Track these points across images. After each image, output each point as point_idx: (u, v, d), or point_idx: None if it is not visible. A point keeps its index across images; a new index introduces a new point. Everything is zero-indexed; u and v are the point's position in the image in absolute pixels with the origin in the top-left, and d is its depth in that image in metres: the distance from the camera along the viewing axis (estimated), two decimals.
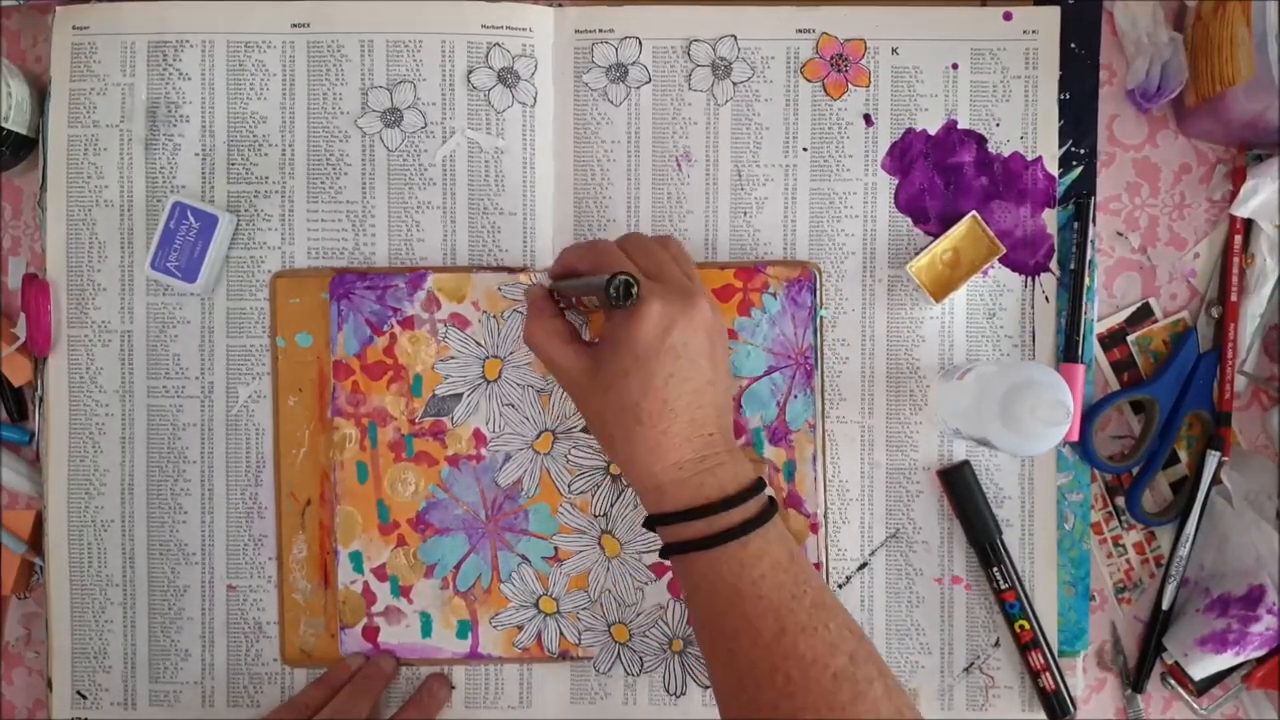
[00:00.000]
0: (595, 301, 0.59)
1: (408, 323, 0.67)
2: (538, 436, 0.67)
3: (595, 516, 0.67)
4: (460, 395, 0.67)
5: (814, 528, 0.67)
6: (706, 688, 0.68)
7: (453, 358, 0.67)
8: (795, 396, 0.67)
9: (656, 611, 0.68)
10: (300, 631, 0.68)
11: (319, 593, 0.68)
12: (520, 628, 0.68)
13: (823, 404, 0.68)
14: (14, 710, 0.71)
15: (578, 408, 0.62)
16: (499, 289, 0.67)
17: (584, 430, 0.67)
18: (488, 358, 0.67)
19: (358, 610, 0.68)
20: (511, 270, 0.68)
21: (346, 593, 0.67)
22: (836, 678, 0.53)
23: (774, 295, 0.67)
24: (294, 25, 0.68)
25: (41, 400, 0.69)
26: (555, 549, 0.68)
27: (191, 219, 0.66)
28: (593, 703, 0.69)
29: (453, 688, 0.69)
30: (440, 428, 0.67)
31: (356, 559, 0.67)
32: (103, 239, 0.68)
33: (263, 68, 0.68)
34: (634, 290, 0.55)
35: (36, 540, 0.69)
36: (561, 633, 0.68)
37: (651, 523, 0.59)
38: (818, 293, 0.67)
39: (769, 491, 0.60)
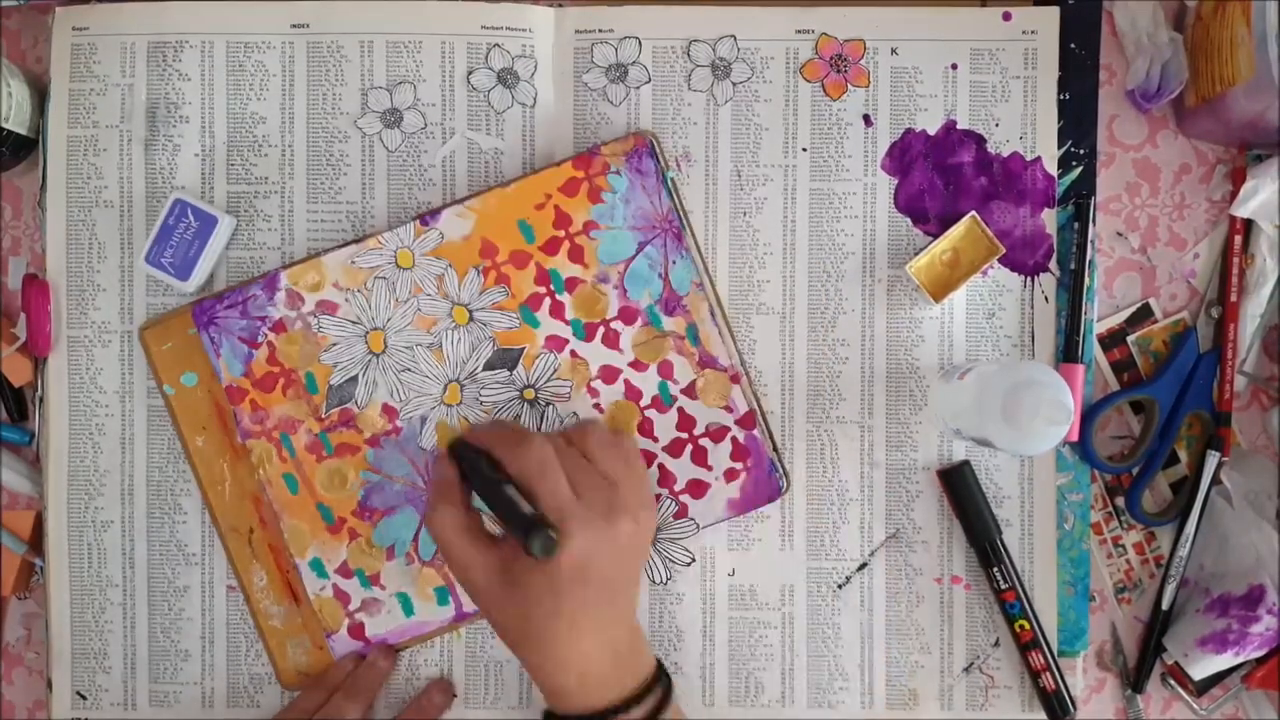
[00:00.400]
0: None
1: (278, 326, 0.67)
2: (444, 390, 0.67)
3: None
4: (355, 378, 0.67)
5: (734, 379, 0.67)
6: (689, 565, 0.68)
7: (334, 344, 0.67)
8: (674, 262, 0.67)
9: None
10: (289, 654, 0.68)
11: (294, 612, 0.68)
12: None
13: (702, 260, 0.67)
14: (14, 710, 0.71)
15: (474, 602, 0.61)
16: (352, 262, 0.66)
17: (487, 369, 0.67)
18: (368, 331, 0.67)
19: (336, 614, 0.67)
20: (357, 241, 0.67)
21: (320, 600, 0.67)
22: None
23: (618, 174, 0.67)
24: (294, 26, 0.68)
25: (42, 401, 0.69)
26: None
27: (191, 217, 0.66)
28: None
29: (454, 695, 0.69)
30: (348, 415, 0.67)
31: (318, 566, 0.67)
32: (102, 239, 0.68)
33: (262, 68, 0.68)
34: (553, 546, 0.55)
35: (36, 540, 0.69)
36: None
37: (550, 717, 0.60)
38: (659, 156, 0.67)
39: (663, 688, 0.61)
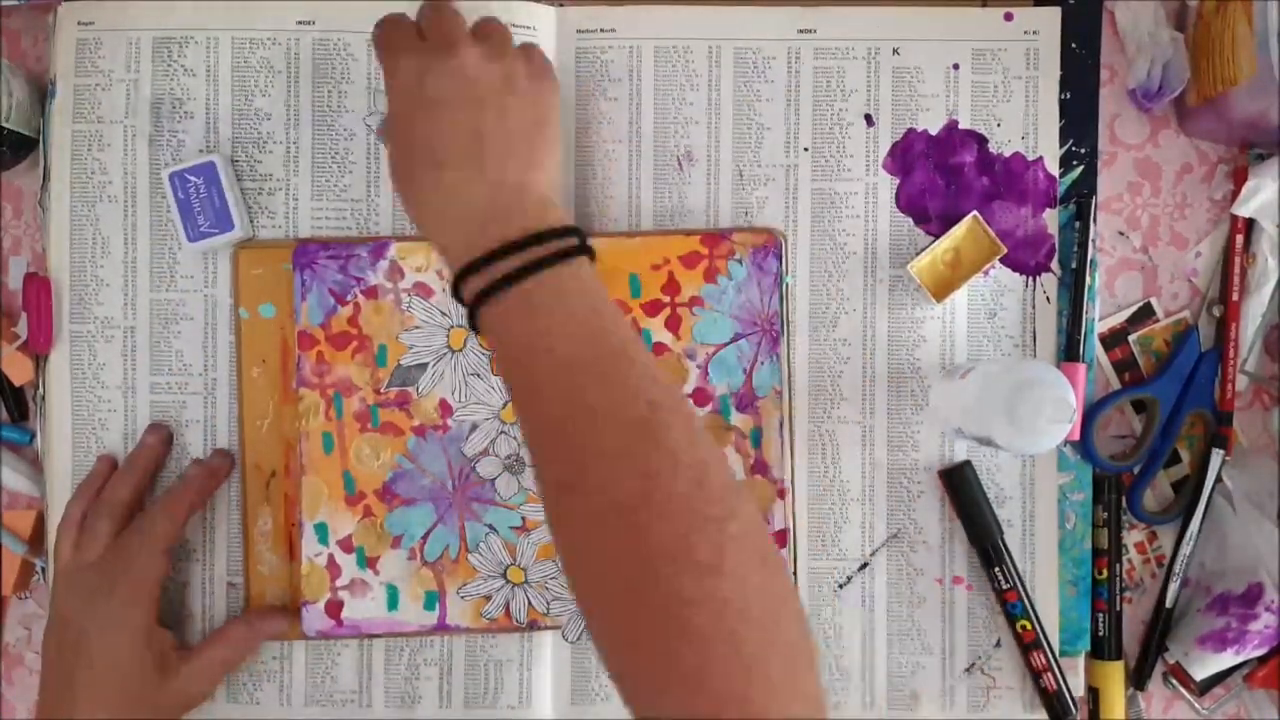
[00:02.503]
0: None
1: (371, 292, 0.67)
2: (503, 406, 0.67)
3: None
4: (425, 365, 0.67)
5: (781, 494, 0.67)
6: None
7: (417, 327, 0.67)
8: (761, 363, 0.67)
9: None
10: (265, 604, 0.68)
11: (285, 567, 0.68)
12: (488, 598, 0.67)
13: (788, 371, 0.68)
14: (14, 710, 0.70)
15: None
16: None
17: None
18: (452, 327, 0.67)
19: (321, 584, 0.67)
20: None
21: (310, 566, 0.67)
22: (632, 423, 0.50)
23: (740, 262, 0.67)
24: (299, 23, 0.68)
25: (43, 399, 0.68)
26: (523, 519, 0.67)
27: (192, 177, 0.66)
28: (593, 703, 0.69)
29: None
30: (406, 398, 0.67)
31: (322, 531, 0.67)
32: (106, 234, 0.68)
33: (267, 65, 0.68)
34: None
35: (37, 540, 0.69)
36: (529, 602, 0.67)
37: (455, 293, 0.56)
38: (783, 259, 0.67)
39: (579, 241, 0.56)
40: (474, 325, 0.55)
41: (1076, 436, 0.68)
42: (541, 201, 0.57)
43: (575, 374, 0.52)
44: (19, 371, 0.69)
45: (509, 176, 0.57)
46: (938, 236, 0.67)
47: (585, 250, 0.56)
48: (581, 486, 0.50)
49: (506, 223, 0.55)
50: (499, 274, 0.53)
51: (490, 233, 0.55)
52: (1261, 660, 0.68)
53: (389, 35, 0.59)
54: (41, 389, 0.69)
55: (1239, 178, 0.68)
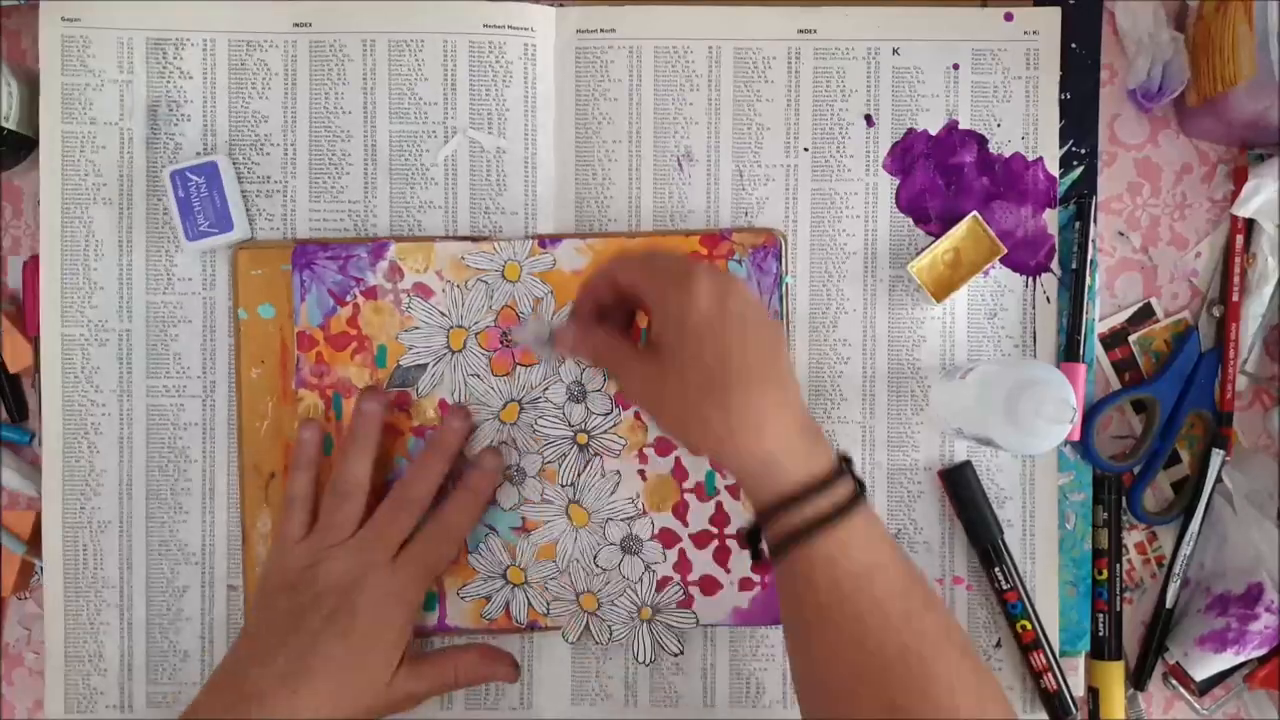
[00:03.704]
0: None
1: (371, 293, 0.67)
2: (504, 406, 0.67)
3: (563, 486, 0.67)
4: (425, 366, 0.67)
5: None
6: (676, 655, 0.67)
7: (417, 328, 0.67)
8: None
9: (624, 580, 0.67)
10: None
11: None
12: (488, 599, 0.67)
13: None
14: (14, 710, 0.70)
15: (656, 421, 0.60)
16: (462, 258, 0.67)
17: (550, 400, 0.67)
18: (452, 327, 0.67)
19: None
20: (475, 239, 0.67)
21: None
22: (963, 650, 0.53)
23: (739, 262, 0.67)
24: (296, 25, 0.68)
25: (39, 401, 0.68)
26: (523, 519, 0.67)
27: (193, 176, 0.66)
28: (593, 704, 0.69)
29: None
30: (405, 399, 0.67)
31: None
32: (100, 237, 0.68)
33: (264, 67, 0.68)
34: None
35: (36, 540, 0.69)
36: (529, 603, 0.67)
37: (762, 520, 0.55)
38: (783, 259, 0.67)
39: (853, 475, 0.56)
40: (776, 552, 0.55)
41: (1077, 437, 0.68)
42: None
43: (910, 602, 0.53)
44: (18, 357, 0.69)
45: (790, 394, 0.56)
46: (938, 236, 0.67)
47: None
48: (919, 709, 0.51)
49: (823, 444, 0.55)
50: (833, 505, 0.53)
51: (817, 457, 0.54)
52: (1261, 661, 0.68)
53: (653, 261, 0.57)
54: (36, 383, 0.69)
55: (1239, 178, 0.68)
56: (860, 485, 0.55)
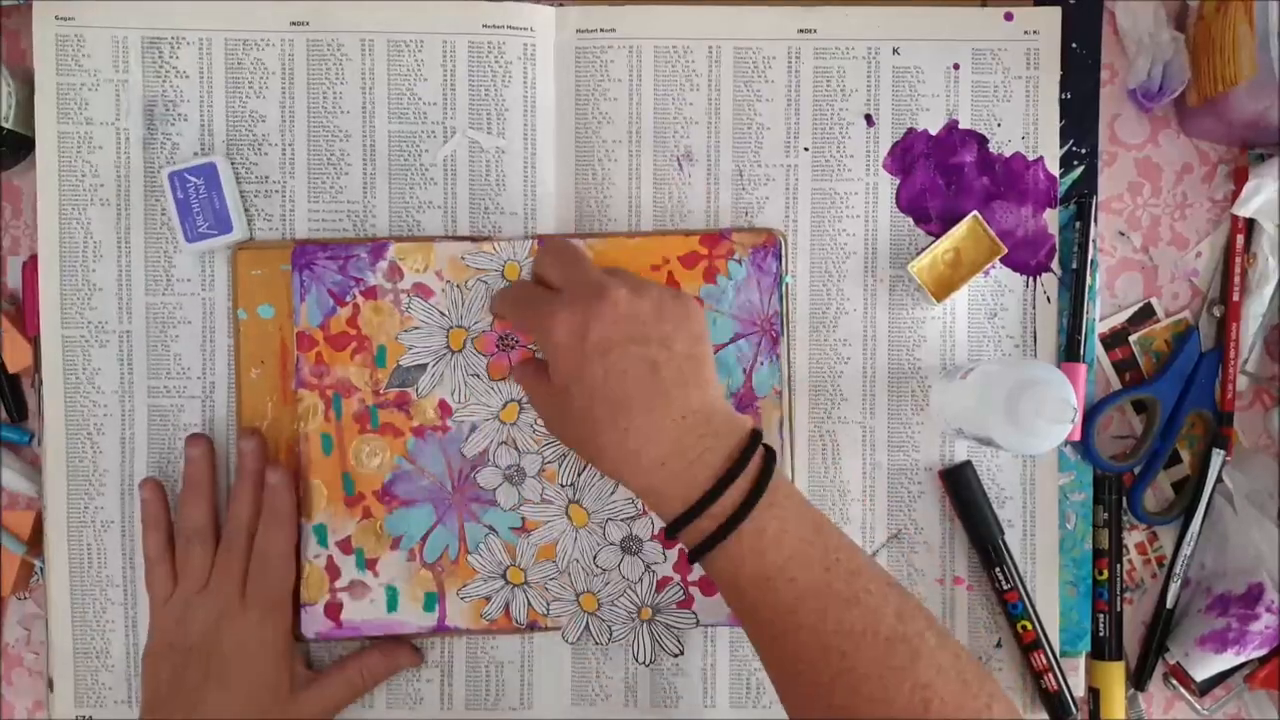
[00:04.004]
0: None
1: (370, 293, 0.67)
2: (503, 406, 0.67)
3: (562, 486, 0.67)
4: (425, 366, 0.67)
5: None
6: (676, 655, 0.67)
7: (416, 328, 0.67)
8: (761, 364, 0.67)
9: (624, 581, 0.67)
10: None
11: None
12: (488, 599, 0.67)
13: (788, 371, 0.68)
14: (13, 710, 0.71)
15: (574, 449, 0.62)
16: (462, 258, 0.66)
17: None
18: (452, 327, 0.67)
19: (320, 586, 0.67)
20: (474, 239, 0.67)
21: (309, 568, 0.67)
22: (890, 640, 0.52)
23: (739, 262, 0.67)
24: (293, 24, 0.68)
25: (40, 399, 0.68)
26: (522, 519, 0.67)
27: (192, 178, 0.66)
28: (593, 704, 0.69)
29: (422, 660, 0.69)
30: (405, 399, 0.67)
31: (320, 532, 0.67)
32: (98, 238, 0.68)
33: (262, 66, 0.68)
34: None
35: (36, 540, 0.69)
36: (529, 603, 0.67)
37: (672, 533, 0.57)
38: (783, 259, 0.67)
39: (762, 448, 0.57)
40: (692, 560, 0.56)
41: (1077, 437, 0.68)
42: (727, 418, 0.57)
43: (824, 599, 0.53)
44: (18, 356, 0.69)
45: (692, 404, 0.57)
46: (938, 236, 0.67)
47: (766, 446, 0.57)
48: (852, 707, 0.51)
49: (712, 454, 0.55)
50: (723, 516, 0.54)
51: (696, 474, 0.55)
52: (1262, 661, 0.68)
53: (521, 297, 0.60)
54: (38, 387, 0.69)
55: (1239, 178, 0.68)
56: (765, 474, 0.55)
